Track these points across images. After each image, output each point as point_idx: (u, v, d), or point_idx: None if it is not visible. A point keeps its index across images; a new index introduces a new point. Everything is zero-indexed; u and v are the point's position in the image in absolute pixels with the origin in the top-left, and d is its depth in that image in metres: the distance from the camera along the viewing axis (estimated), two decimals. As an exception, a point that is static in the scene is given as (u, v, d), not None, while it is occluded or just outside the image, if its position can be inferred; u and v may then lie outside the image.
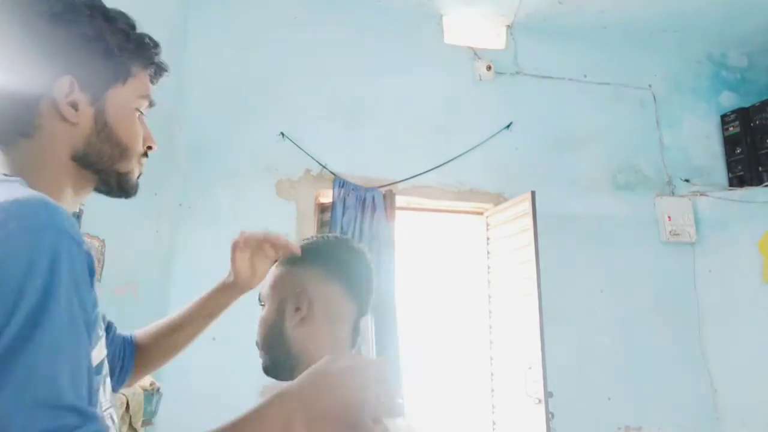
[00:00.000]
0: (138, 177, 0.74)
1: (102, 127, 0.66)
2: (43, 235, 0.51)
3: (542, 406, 2.41)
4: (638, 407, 3.02)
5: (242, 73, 2.99)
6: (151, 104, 0.74)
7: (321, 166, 2.94)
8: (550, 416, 2.45)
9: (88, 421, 0.49)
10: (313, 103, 3.03)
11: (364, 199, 2.83)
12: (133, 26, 0.71)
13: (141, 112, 0.73)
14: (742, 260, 3.18)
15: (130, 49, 0.69)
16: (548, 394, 2.45)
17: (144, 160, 0.75)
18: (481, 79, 3.28)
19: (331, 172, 2.92)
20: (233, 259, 0.91)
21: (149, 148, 0.75)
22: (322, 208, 2.97)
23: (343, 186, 2.86)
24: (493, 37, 3.42)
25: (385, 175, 2.99)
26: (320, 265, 0.85)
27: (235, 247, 0.91)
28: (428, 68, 3.25)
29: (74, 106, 0.64)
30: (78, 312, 0.52)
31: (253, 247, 0.90)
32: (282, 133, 2.94)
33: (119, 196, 0.73)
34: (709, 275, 3.26)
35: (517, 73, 3.37)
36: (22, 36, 0.61)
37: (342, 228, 2.77)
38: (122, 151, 0.69)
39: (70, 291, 0.51)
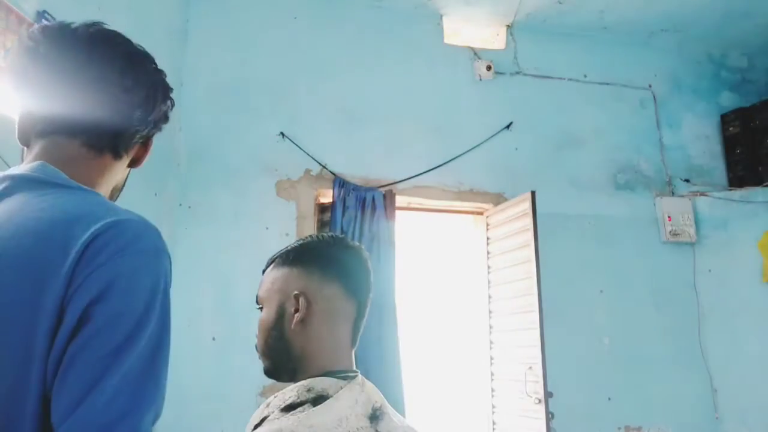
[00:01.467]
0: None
1: (133, 166, 0.80)
2: (163, 259, 0.61)
3: (542, 406, 2.41)
4: (638, 407, 3.03)
5: (242, 73, 2.99)
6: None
7: (321, 166, 2.94)
8: (550, 416, 2.45)
9: None
10: (313, 103, 3.03)
11: (364, 199, 2.83)
12: (167, 100, 0.80)
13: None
14: (742, 260, 3.18)
15: (166, 113, 0.81)
16: (548, 394, 2.45)
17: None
18: (481, 79, 3.28)
19: (331, 172, 2.92)
20: None
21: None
22: (322, 208, 2.97)
23: (343, 186, 2.86)
24: (493, 37, 3.43)
25: (385, 175, 3.00)
26: (317, 265, 0.85)
27: None
28: (428, 68, 3.25)
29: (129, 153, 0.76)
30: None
31: None
32: (282, 133, 2.94)
33: None
34: (709, 275, 3.26)
35: (517, 73, 3.37)
36: (108, 87, 0.70)
37: (342, 228, 2.77)
38: (118, 191, 0.81)
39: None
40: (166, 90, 0.78)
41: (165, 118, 0.79)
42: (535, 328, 2.52)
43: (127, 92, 0.70)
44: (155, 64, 0.76)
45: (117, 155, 0.72)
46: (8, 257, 0.53)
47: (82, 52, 0.68)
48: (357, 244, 0.91)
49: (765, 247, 3.11)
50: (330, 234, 0.93)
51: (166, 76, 0.78)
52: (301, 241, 0.91)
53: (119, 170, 0.75)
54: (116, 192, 0.78)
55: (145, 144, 0.79)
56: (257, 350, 0.85)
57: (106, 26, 0.72)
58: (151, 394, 0.56)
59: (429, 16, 3.32)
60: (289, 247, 0.89)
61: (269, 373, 0.85)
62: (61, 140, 0.68)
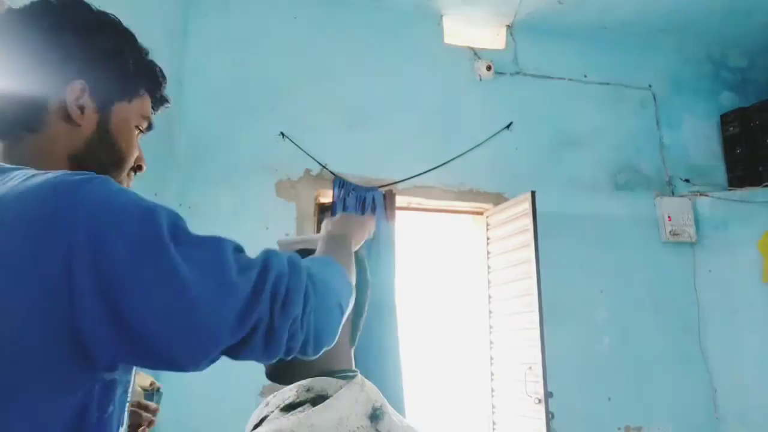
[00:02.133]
0: None
1: (103, 134, 0.70)
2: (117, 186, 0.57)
3: (542, 406, 2.41)
4: (638, 407, 3.02)
5: (242, 73, 2.99)
6: (150, 127, 0.79)
7: (321, 166, 2.94)
8: (550, 416, 2.45)
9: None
10: (313, 103, 3.03)
11: (364, 200, 2.83)
12: (147, 53, 0.77)
13: (141, 131, 0.77)
14: (742, 260, 3.18)
15: (142, 72, 0.76)
16: (548, 394, 2.45)
17: (132, 176, 0.78)
18: (481, 79, 3.28)
19: (331, 172, 2.92)
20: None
21: (140, 167, 0.79)
22: (322, 209, 2.97)
23: (343, 186, 2.86)
24: (493, 37, 3.42)
25: (385, 175, 3.00)
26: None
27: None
28: (428, 68, 3.25)
29: (81, 109, 0.68)
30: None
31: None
32: (282, 133, 2.94)
33: None
34: (709, 275, 3.26)
35: (517, 73, 3.37)
36: (46, 38, 0.66)
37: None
38: (118, 160, 0.73)
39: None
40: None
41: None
42: (535, 328, 2.52)
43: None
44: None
45: (32, 126, 0.66)
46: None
47: None
48: None
49: (765, 247, 3.11)
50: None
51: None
52: (298, 241, 0.91)
53: (63, 134, 0.67)
54: (87, 159, 0.69)
55: (130, 98, 0.73)
56: None
57: None
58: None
59: (429, 16, 3.32)
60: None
61: (271, 375, 0.85)
62: None
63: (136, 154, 0.76)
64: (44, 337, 0.49)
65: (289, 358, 0.62)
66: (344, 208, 2.81)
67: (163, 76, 0.79)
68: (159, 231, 0.53)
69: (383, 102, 3.12)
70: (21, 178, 0.55)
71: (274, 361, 0.61)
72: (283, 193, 2.88)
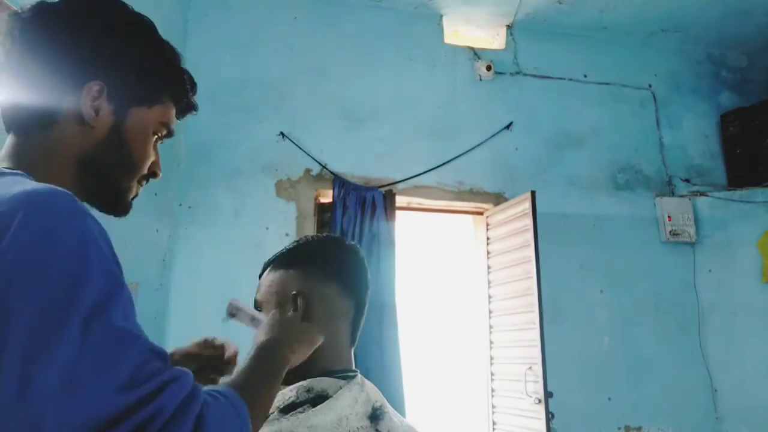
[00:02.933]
0: (133, 198, 0.75)
1: (116, 138, 0.68)
2: (83, 219, 0.52)
3: (542, 406, 2.41)
4: (638, 407, 3.02)
5: (242, 74, 2.99)
6: (170, 134, 0.76)
7: (321, 166, 2.94)
8: (550, 416, 2.45)
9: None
10: (313, 103, 3.03)
11: (364, 199, 2.83)
12: (178, 59, 0.75)
13: (159, 138, 0.75)
14: (742, 260, 3.18)
15: (168, 80, 0.73)
16: (548, 394, 2.45)
17: (144, 183, 0.76)
18: (481, 79, 3.28)
19: (331, 172, 2.92)
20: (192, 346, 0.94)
21: (154, 174, 0.77)
22: (322, 208, 2.97)
23: (343, 186, 2.86)
24: (493, 37, 3.43)
25: (385, 175, 3.00)
26: (313, 265, 0.85)
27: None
28: (428, 68, 3.25)
29: (96, 111, 0.66)
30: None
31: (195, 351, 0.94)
32: (282, 133, 2.94)
33: (110, 211, 0.73)
34: (709, 275, 3.26)
35: (517, 73, 3.37)
36: (70, 35, 0.65)
37: (342, 228, 2.77)
38: (128, 167, 0.71)
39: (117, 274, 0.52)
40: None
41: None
42: (534, 328, 2.52)
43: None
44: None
45: (44, 123, 0.65)
46: None
47: None
48: (353, 243, 0.92)
49: (765, 247, 3.11)
50: (325, 234, 0.94)
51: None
52: (296, 243, 0.91)
53: (74, 135, 0.66)
54: (97, 163, 0.67)
55: (150, 105, 0.71)
56: None
57: None
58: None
59: (429, 16, 3.32)
60: (284, 250, 0.90)
61: None
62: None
63: (149, 161, 0.74)
64: None
65: None
66: (344, 208, 2.81)
67: (192, 84, 0.78)
68: (67, 311, 0.46)
69: (383, 102, 3.12)
70: (6, 185, 0.54)
71: None
72: (283, 193, 2.88)
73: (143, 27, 0.71)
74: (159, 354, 0.52)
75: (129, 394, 0.47)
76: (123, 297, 0.51)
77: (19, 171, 0.60)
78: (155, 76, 0.71)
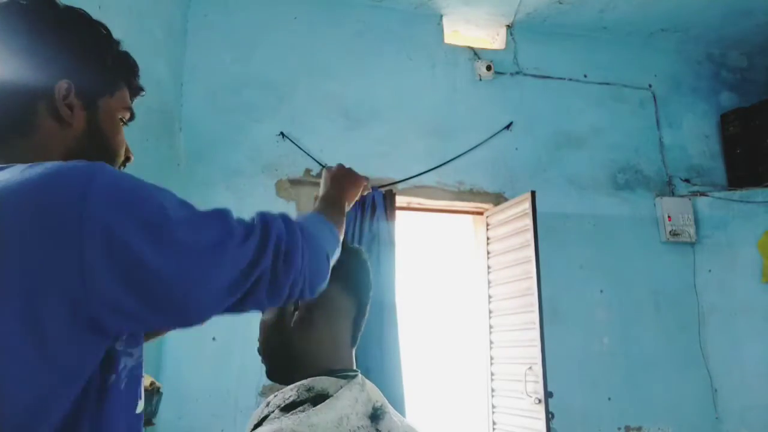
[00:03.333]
0: None
1: (94, 130, 0.71)
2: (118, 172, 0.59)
3: (542, 406, 2.41)
4: (638, 407, 3.02)
5: (242, 73, 2.99)
6: (132, 117, 0.79)
7: (321, 166, 2.94)
8: (550, 416, 2.45)
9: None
10: (313, 103, 3.03)
11: (364, 199, 2.83)
12: (119, 44, 0.77)
13: (124, 122, 0.78)
14: (742, 260, 3.18)
15: (119, 64, 0.76)
16: (548, 394, 2.45)
17: (122, 169, 0.79)
18: (481, 79, 3.28)
19: (331, 172, 2.92)
20: None
21: (128, 158, 0.80)
22: (322, 208, 2.96)
23: (343, 186, 2.86)
24: (493, 37, 3.43)
25: (385, 175, 3.00)
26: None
27: None
28: (428, 68, 3.25)
29: (70, 108, 0.68)
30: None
31: None
32: (282, 133, 2.94)
33: None
34: (709, 275, 3.26)
35: (517, 73, 3.37)
36: (28, 38, 0.66)
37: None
38: (109, 155, 0.74)
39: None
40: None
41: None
42: (534, 328, 2.52)
43: None
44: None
45: (23, 130, 0.66)
46: None
47: None
48: (356, 245, 0.92)
49: (765, 247, 3.11)
50: None
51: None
52: None
53: (55, 135, 0.68)
54: (81, 158, 0.68)
55: (112, 92, 0.74)
56: (259, 353, 0.85)
57: None
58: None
59: (429, 16, 3.32)
60: None
61: (271, 374, 0.85)
62: None
63: (123, 146, 0.77)
64: (55, 311, 0.51)
65: (288, 302, 0.71)
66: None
67: (137, 65, 0.80)
68: (165, 210, 0.57)
69: (383, 102, 3.12)
70: (18, 170, 0.56)
71: (278, 303, 0.69)
72: (283, 192, 2.88)
73: (86, 19, 0.73)
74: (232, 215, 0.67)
75: (251, 241, 0.63)
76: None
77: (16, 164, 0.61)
78: (111, 64, 0.74)
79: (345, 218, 0.91)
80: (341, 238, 0.84)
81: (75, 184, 0.53)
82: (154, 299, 0.56)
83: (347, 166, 1.13)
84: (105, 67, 0.73)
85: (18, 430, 0.51)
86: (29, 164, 0.57)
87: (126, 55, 0.78)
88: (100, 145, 0.72)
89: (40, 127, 0.67)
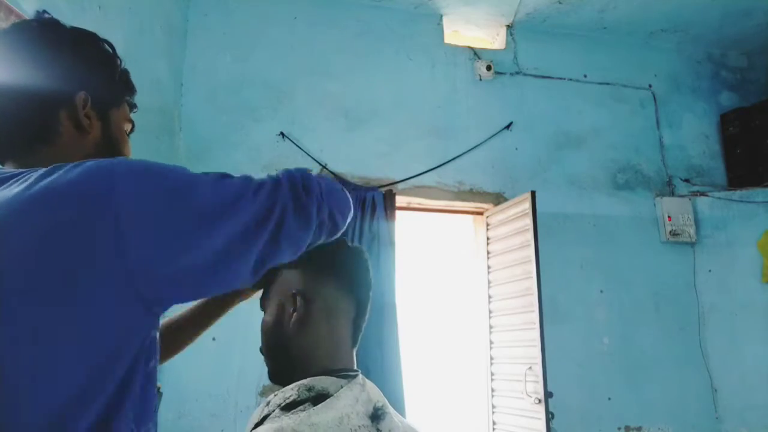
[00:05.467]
0: None
1: (108, 139, 0.77)
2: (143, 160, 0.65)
3: (542, 406, 2.41)
4: (638, 407, 3.02)
5: (242, 73, 2.99)
6: (133, 128, 0.86)
7: (321, 166, 2.94)
8: (550, 416, 2.45)
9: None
10: (313, 103, 3.03)
11: (364, 199, 2.83)
12: (122, 62, 0.83)
13: (127, 134, 0.84)
14: (742, 260, 3.18)
15: (123, 80, 0.82)
16: (548, 394, 2.45)
17: None
18: (481, 79, 3.28)
19: (331, 172, 2.92)
20: None
21: None
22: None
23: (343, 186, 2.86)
24: (493, 37, 3.43)
25: (385, 175, 3.00)
26: (315, 264, 0.85)
27: None
28: (428, 68, 3.25)
29: (88, 117, 0.74)
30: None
31: None
32: (282, 133, 2.94)
33: None
34: (709, 275, 3.26)
35: (517, 73, 3.37)
36: (48, 54, 0.72)
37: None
38: None
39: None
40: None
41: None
42: (534, 328, 2.52)
43: None
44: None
45: (47, 138, 0.71)
46: None
47: None
48: (357, 245, 0.92)
49: (765, 247, 3.11)
50: None
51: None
52: None
53: (77, 142, 0.73)
54: None
55: (119, 105, 0.81)
56: (262, 353, 0.85)
57: None
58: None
59: (429, 16, 3.32)
60: None
61: (272, 375, 0.85)
62: None
63: (130, 155, 0.82)
64: (102, 290, 0.55)
65: (320, 238, 0.74)
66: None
67: (133, 84, 0.86)
68: (185, 179, 0.63)
69: (383, 102, 3.12)
70: (41, 173, 0.59)
71: (311, 234, 0.71)
72: (283, 193, 2.88)
73: (95, 37, 0.79)
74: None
75: (266, 183, 0.67)
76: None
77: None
78: (117, 79, 0.80)
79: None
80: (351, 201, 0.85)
81: (103, 171, 0.58)
82: (187, 257, 0.59)
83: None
84: (113, 82, 0.79)
85: (67, 410, 0.53)
86: (53, 166, 0.60)
87: (127, 73, 0.84)
88: (113, 152, 0.78)
89: (62, 134, 0.71)
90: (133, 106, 0.86)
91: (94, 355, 0.55)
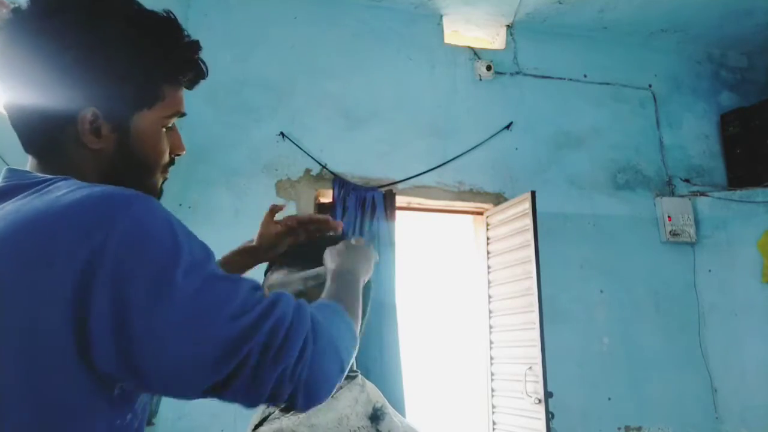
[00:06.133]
0: (162, 184, 0.76)
1: (124, 151, 0.66)
2: (162, 210, 0.58)
3: (542, 406, 2.41)
4: (638, 407, 3.02)
5: (242, 74, 2.99)
6: (182, 115, 0.73)
7: (321, 166, 2.94)
8: (550, 416, 2.45)
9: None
10: (313, 103, 3.03)
11: (364, 200, 2.83)
12: (167, 36, 0.68)
13: (169, 127, 0.73)
14: (742, 260, 3.18)
15: (160, 71, 0.68)
16: (548, 394, 2.45)
17: (169, 168, 0.76)
18: (481, 79, 3.28)
19: (331, 172, 2.92)
20: (264, 224, 0.97)
21: (176, 156, 0.76)
22: (323, 208, 2.97)
23: (343, 186, 2.86)
24: (493, 37, 3.43)
25: (385, 175, 3.00)
26: (314, 264, 0.85)
27: (272, 213, 0.98)
28: (428, 68, 3.25)
29: (97, 133, 0.63)
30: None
31: (291, 225, 0.97)
32: (282, 133, 2.94)
33: None
34: (709, 275, 3.26)
35: (517, 73, 3.37)
36: (51, 66, 0.61)
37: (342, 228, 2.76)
38: (146, 169, 0.70)
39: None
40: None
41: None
42: (534, 328, 2.52)
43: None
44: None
45: (57, 151, 0.64)
46: None
47: None
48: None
49: (765, 247, 3.11)
50: (328, 234, 0.93)
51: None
52: (300, 243, 0.91)
53: (86, 160, 0.65)
54: (116, 177, 0.66)
55: (151, 105, 0.67)
56: None
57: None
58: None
59: (429, 16, 3.32)
60: (287, 250, 0.90)
61: None
62: None
63: (165, 155, 0.72)
64: (60, 346, 0.50)
65: (276, 406, 0.62)
66: (344, 209, 2.81)
67: (193, 49, 0.72)
68: (174, 271, 0.54)
69: (383, 102, 3.12)
70: (66, 189, 0.56)
71: (256, 407, 0.59)
72: (283, 193, 2.88)
73: (115, 24, 0.63)
74: (259, 287, 0.61)
75: (244, 318, 0.55)
76: (214, 258, 0.60)
77: (63, 176, 0.60)
78: (146, 76, 0.66)
79: (361, 306, 0.80)
80: (358, 335, 0.71)
81: (99, 222, 0.52)
82: (139, 359, 0.52)
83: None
84: (138, 82, 0.65)
85: None
86: (80, 184, 0.57)
87: (175, 49, 0.69)
88: (133, 164, 0.68)
89: (69, 150, 0.64)
90: (196, 80, 0.74)
91: (51, 409, 0.51)
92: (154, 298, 0.52)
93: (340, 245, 0.88)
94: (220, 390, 0.55)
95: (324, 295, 0.74)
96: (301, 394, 0.58)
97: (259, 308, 0.57)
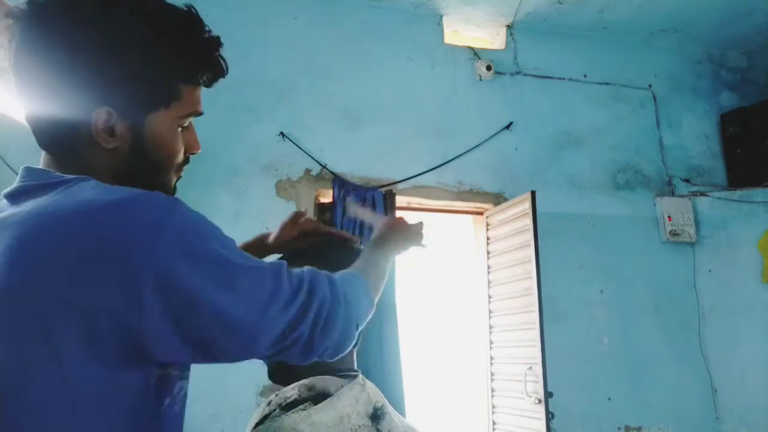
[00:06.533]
0: (176, 182, 0.76)
1: (139, 150, 0.66)
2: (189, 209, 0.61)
3: (542, 406, 2.41)
4: (638, 407, 3.02)
5: (242, 74, 2.99)
6: (199, 114, 0.74)
7: (321, 166, 2.94)
8: (550, 416, 2.45)
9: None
10: (313, 103, 3.03)
11: (364, 199, 2.83)
12: (194, 40, 0.69)
13: (186, 126, 0.73)
14: (742, 260, 3.18)
15: (177, 71, 0.67)
16: (548, 394, 2.45)
17: (183, 167, 0.76)
18: (481, 79, 3.28)
19: (331, 172, 2.92)
20: (284, 227, 1.01)
21: (191, 155, 0.77)
22: (323, 208, 2.97)
23: (343, 186, 2.86)
24: (493, 37, 3.43)
25: (385, 175, 3.00)
26: (316, 264, 0.85)
27: (295, 219, 1.01)
28: (428, 68, 3.25)
29: (111, 132, 0.63)
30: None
31: (307, 230, 1.00)
32: (282, 133, 2.94)
33: None
34: (709, 275, 3.26)
35: (517, 73, 3.37)
36: (65, 65, 0.60)
37: (342, 228, 2.76)
38: (160, 168, 0.70)
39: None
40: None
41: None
42: (534, 328, 2.52)
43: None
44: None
45: (71, 149, 0.64)
46: None
47: None
48: (358, 245, 0.92)
49: (765, 247, 3.11)
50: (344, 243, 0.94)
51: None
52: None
53: (101, 158, 0.65)
54: (130, 176, 0.66)
55: (167, 105, 0.67)
56: None
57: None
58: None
59: (429, 16, 3.32)
60: (288, 251, 0.90)
61: (272, 374, 0.85)
62: None
63: (180, 154, 0.72)
64: (103, 336, 0.53)
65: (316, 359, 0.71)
66: (344, 208, 2.81)
67: (214, 46, 0.72)
68: (229, 259, 0.60)
69: (383, 102, 3.12)
70: (94, 189, 0.57)
71: (304, 362, 0.69)
72: (283, 192, 2.88)
73: (131, 22, 0.62)
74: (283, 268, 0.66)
75: (294, 303, 0.63)
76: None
77: (82, 176, 0.61)
78: (163, 76, 0.65)
79: (386, 275, 0.88)
80: (375, 299, 0.80)
81: (146, 225, 0.54)
82: (202, 340, 0.57)
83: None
84: (154, 82, 0.64)
85: None
86: (103, 186, 0.58)
87: (193, 48, 0.68)
88: (148, 163, 0.67)
89: (83, 149, 0.64)
90: (215, 78, 0.73)
91: (82, 395, 0.54)
92: (221, 285, 0.57)
93: (389, 218, 1.01)
94: (277, 354, 0.64)
95: (359, 259, 0.84)
96: (331, 351, 0.69)
97: (305, 291, 0.65)
